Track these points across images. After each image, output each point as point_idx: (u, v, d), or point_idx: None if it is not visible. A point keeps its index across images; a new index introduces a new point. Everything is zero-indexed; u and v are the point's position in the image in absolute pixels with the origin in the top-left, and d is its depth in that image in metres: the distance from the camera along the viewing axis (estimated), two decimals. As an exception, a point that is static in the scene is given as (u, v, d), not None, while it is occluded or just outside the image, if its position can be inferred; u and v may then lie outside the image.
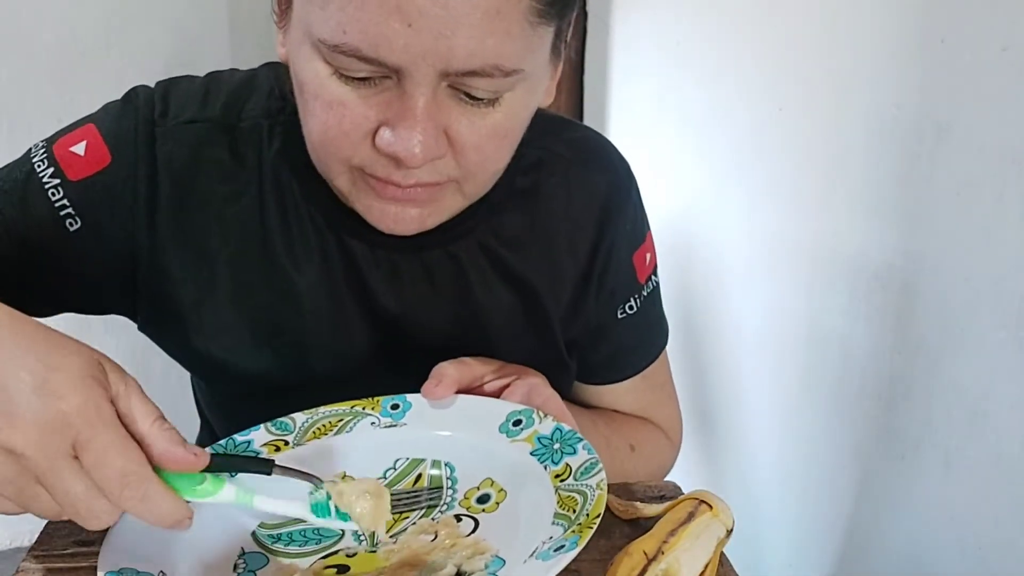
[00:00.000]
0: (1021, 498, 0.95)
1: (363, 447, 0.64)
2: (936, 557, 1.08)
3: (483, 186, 0.65)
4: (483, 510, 0.60)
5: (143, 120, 0.68)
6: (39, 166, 0.67)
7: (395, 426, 0.65)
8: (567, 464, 0.58)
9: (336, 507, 0.53)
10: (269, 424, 0.65)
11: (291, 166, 0.69)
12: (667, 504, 0.60)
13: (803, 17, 1.31)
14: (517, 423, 0.62)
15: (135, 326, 0.75)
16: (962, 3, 0.98)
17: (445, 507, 0.61)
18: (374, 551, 0.57)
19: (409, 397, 0.66)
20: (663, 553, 0.53)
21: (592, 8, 2.08)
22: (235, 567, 0.56)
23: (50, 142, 0.68)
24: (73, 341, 0.46)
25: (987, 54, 0.95)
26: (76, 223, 0.67)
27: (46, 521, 0.61)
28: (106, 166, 0.67)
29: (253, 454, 0.63)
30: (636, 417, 0.85)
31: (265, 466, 0.58)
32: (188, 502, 0.48)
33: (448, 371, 0.64)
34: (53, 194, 0.66)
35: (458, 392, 0.65)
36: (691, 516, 0.56)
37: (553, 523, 0.53)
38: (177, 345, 0.74)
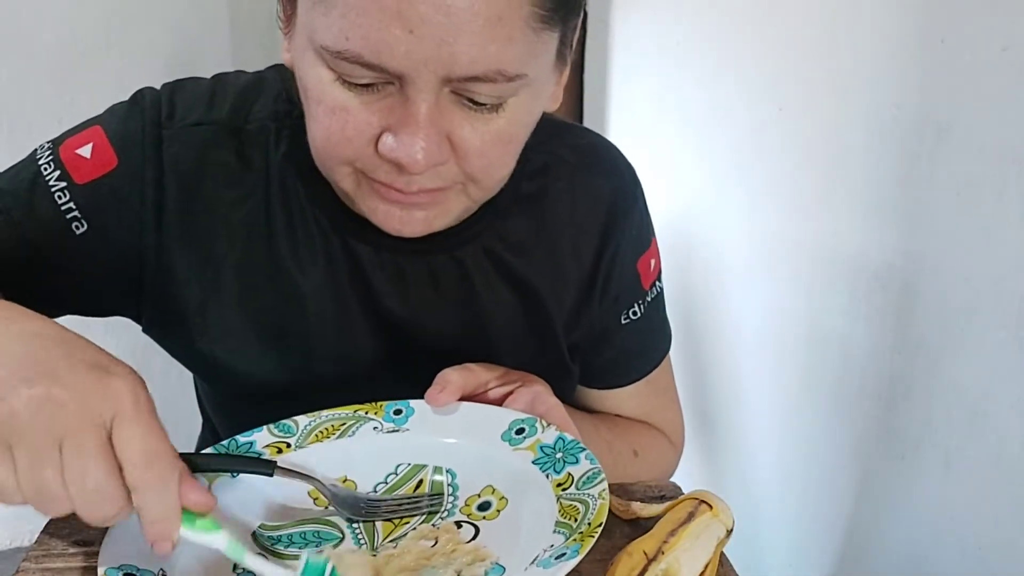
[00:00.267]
0: (1021, 498, 0.95)
1: (365, 451, 0.64)
2: (936, 557, 1.08)
3: (488, 191, 0.64)
4: (484, 517, 0.60)
5: (150, 122, 0.67)
6: (45, 169, 0.66)
7: (398, 431, 0.65)
8: (569, 473, 0.58)
9: (334, 569, 0.51)
10: (272, 426, 0.65)
11: (297, 169, 0.69)
12: (667, 504, 0.61)
13: (803, 17, 1.31)
14: (520, 431, 0.62)
15: (135, 326, 0.75)
16: (962, 3, 0.98)
17: (446, 513, 0.61)
18: (374, 555, 0.57)
19: (412, 403, 0.66)
20: (663, 553, 0.53)
21: (592, 8, 2.08)
22: (235, 567, 0.56)
23: (56, 144, 0.68)
24: None
25: (987, 54, 0.95)
26: (82, 226, 0.67)
27: (46, 521, 0.61)
28: (112, 169, 0.66)
29: (255, 455, 0.63)
30: (639, 422, 0.85)
31: (267, 467, 0.58)
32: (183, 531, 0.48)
33: (452, 377, 0.64)
34: (59, 197, 0.66)
35: (462, 398, 0.64)
36: (691, 516, 0.56)
37: (555, 531, 0.53)
38: (181, 347, 0.74)
